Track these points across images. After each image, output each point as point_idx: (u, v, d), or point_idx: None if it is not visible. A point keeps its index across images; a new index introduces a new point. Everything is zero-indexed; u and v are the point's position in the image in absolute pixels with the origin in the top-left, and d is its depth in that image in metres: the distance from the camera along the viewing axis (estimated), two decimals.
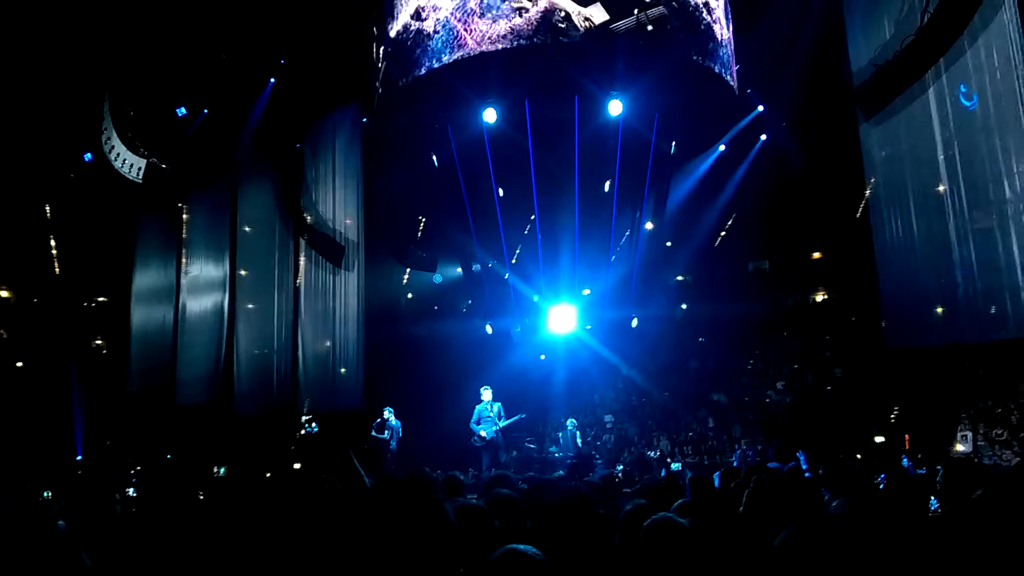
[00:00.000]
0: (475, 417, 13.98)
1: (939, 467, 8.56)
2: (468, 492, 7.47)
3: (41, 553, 2.45)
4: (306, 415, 15.95)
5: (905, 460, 11.20)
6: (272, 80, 15.78)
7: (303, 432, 16.49)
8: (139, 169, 17.16)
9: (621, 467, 11.67)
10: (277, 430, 15.94)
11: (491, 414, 13.91)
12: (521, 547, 2.16)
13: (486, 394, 14.10)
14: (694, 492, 5.27)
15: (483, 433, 13.77)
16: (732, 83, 12.78)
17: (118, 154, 17.10)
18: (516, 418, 14.29)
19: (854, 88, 12.15)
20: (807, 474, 8.50)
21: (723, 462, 13.89)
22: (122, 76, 16.46)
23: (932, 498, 4.66)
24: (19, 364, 18.98)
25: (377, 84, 13.49)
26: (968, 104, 10.78)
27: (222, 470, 14.57)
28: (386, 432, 14.59)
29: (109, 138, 17.09)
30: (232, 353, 16.14)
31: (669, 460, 15.15)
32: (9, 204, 17.55)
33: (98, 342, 20.29)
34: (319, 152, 15.86)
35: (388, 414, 14.81)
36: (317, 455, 15.50)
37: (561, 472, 10.53)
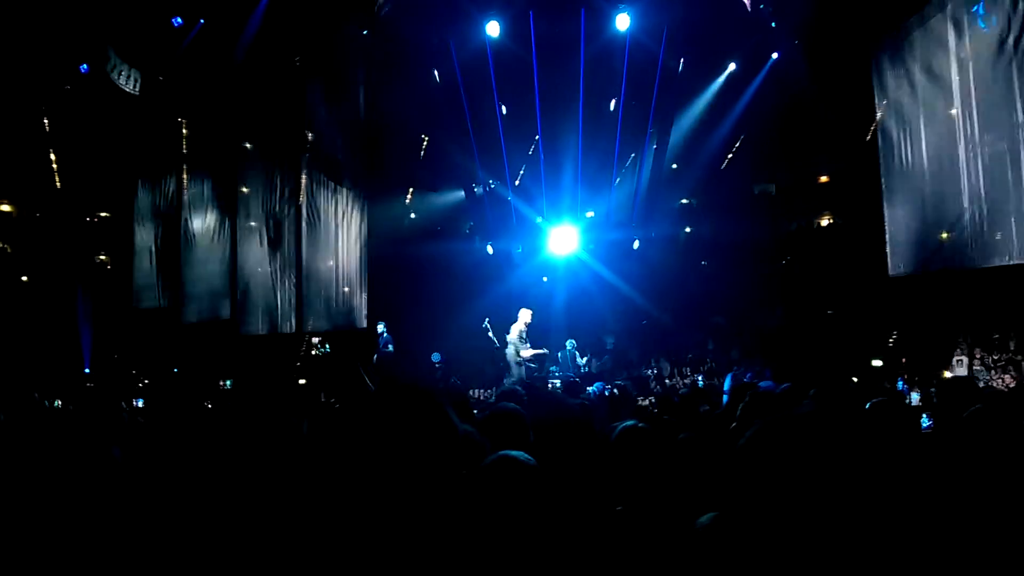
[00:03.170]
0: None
1: (931, 388, 8.69)
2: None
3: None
4: (310, 332, 16.07)
5: (900, 382, 11.37)
6: None
7: (315, 353, 16.64)
8: (136, 81, 16.84)
9: (619, 383, 11.80)
10: (282, 347, 16.12)
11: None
12: (513, 453, 2.21)
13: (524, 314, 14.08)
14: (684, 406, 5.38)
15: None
16: None
17: (114, 65, 16.74)
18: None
19: (868, 5, 11.79)
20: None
21: (720, 383, 14.08)
22: None
23: (924, 416, 4.76)
24: (24, 278, 19.08)
25: None
26: (984, 27, 10.47)
27: (228, 383, 14.82)
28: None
29: (105, 49, 16.69)
30: (235, 271, 16.19)
31: (668, 381, 15.38)
32: (6, 117, 17.28)
33: (102, 258, 20.33)
34: (318, 67, 15.49)
35: (380, 327, 14.66)
36: (324, 372, 15.71)
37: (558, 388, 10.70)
